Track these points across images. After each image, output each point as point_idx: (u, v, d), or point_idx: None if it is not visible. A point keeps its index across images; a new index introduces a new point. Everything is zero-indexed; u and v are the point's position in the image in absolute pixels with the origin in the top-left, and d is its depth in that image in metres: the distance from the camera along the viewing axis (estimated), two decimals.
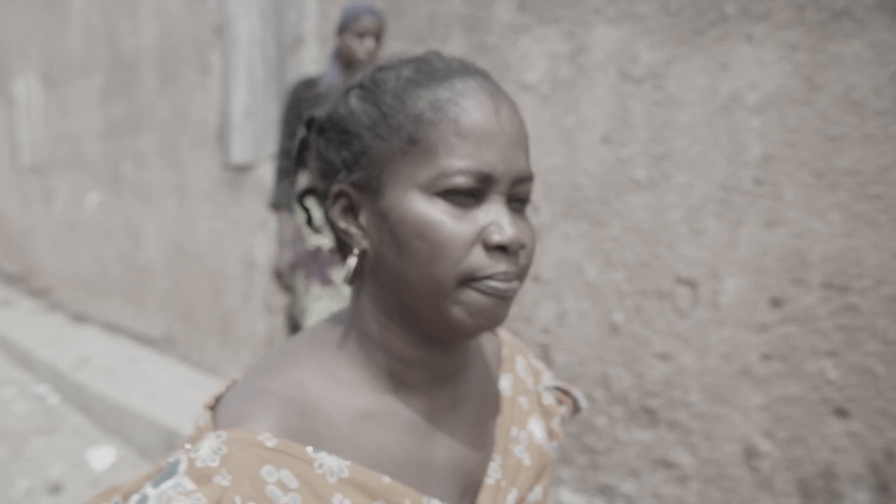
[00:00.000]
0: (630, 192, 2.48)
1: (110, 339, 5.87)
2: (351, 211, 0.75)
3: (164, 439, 3.81)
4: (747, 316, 2.20)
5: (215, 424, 0.70)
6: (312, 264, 2.90)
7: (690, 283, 2.34)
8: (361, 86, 0.75)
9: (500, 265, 0.71)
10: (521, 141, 0.73)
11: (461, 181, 0.69)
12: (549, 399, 0.94)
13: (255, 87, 4.16)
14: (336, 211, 0.75)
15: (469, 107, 0.70)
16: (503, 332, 0.94)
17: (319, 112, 0.78)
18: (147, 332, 5.45)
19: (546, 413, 0.92)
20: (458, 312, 0.71)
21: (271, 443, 0.67)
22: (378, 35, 2.92)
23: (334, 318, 0.81)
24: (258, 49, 4.11)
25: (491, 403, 0.85)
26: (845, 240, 2.01)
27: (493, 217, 0.71)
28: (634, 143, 2.46)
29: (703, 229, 2.31)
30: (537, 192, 2.71)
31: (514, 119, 0.73)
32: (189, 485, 0.64)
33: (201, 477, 0.64)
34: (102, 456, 4.10)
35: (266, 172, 4.12)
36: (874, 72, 1.96)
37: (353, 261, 0.74)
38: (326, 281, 2.87)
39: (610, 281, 2.54)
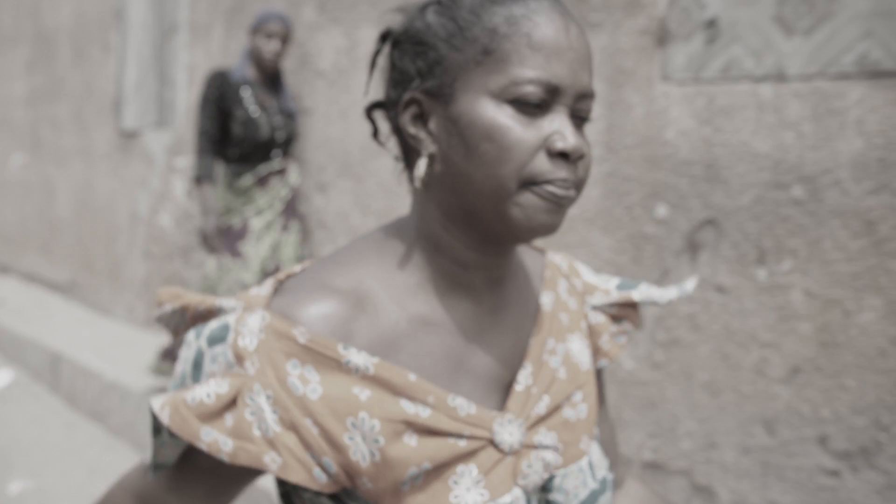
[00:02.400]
0: (379, 156, 3.27)
1: (26, 287, 6.56)
2: (420, 118, 0.78)
3: (51, 362, 4.53)
4: None
5: (271, 301, 0.75)
6: (224, 239, 3.39)
7: None
8: (439, 2, 0.78)
9: (561, 172, 0.73)
10: (587, 59, 0.76)
11: (531, 90, 0.72)
12: (597, 318, 0.95)
13: (143, 65, 4.89)
14: (406, 117, 0.78)
15: (542, 23, 0.73)
16: (551, 255, 0.97)
17: (395, 25, 0.81)
18: (56, 279, 6.16)
19: (593, 332, 0.95)
20: (517, 213, 0.73)
21: (303, 339, 0.70)
22: (284, 38, 3.37)
23: (400, 223, 0.84)
24: (146, 33, 4.84)
25: (530, 315, 0.87)
26: None
27: (558, 126, 0.73)
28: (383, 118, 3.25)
29: None
30: (324, 155, 3.49)
31: (582, 38, 0.76)
32: (231, 356, 0.71)
33: (239, 357, 0.70)
34: (2, 377, 4.83)
35: (149, 139, 4.85)
36: None
37: (423, 163, 0.76)
38: (235, 253, 3.35)
39: (366, 225, 3.32)
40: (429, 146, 0.77)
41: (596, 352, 0.95)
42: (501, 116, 0.72)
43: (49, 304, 5.84)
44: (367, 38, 3.34)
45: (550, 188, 0.73)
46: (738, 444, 2.34)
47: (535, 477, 0.79)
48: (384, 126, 0.86)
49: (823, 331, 2.17)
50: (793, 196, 2.21)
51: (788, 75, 2.20)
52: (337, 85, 3.48)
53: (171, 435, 0.75)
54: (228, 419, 0.70)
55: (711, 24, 2.33)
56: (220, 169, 3.44)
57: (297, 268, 0.82)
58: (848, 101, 2.10)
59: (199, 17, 4.41)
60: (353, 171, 3.39)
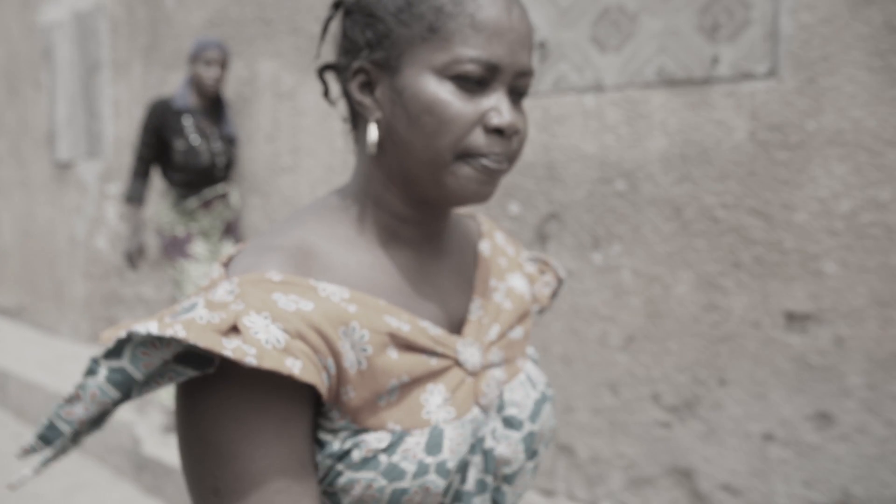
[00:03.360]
0: (281, 175, 3.60)
1: None
2: (368, 86, 0.81)
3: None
4: None
5: (228, 275, 0.75)
6: (173, 248, 3.53)
7: None
8: None
9: (495, 146, 0.77)
10: (528, 39, 0.78)
11: (471, 68, 0.75)
12: (530, 268, 1.04)
13: (72, 100, 5.17)
14: (354, 84, 0.81)
15: (485, 4, 0.75)
16: (482, 216, 1.04)
17: None
18: (4, 304, 6.39)
19: (530, 278, 1.02)
20: (451, 182, 0.77)
21: (278, 277, 0.72)
22: (223, 64, 3.46)
23: (338, 189, 0.87)
24: (73, 71, 5.12)
25: (470, 259, 0.93)
26: None
27: (495, 103, 0.77)
28: (282, 140, 3.59)
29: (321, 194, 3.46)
30: (235, 176, 3.81)
31: (524, 19, 0.78)
32: (207, 313, 0.66)
33: (216, 307, 0.67)
34: None
35: (82, 169, 5.13)
36: None
37: (374, 128, 0.79)
38: (186, 255, 3.50)
39: None
40: (374, 112, 0.80)
41: (533, 296, 1.01)
42: (442, 92, 0.75)
43: (0, 328, 6.08)
44: (266, 69, 3.68)
45: (484, 161, 0.77)
46: (590, 407, 2.70)
47: (492, 395, 0.84)
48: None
49: (649, 303, 2.53)
50: (617, 189, 2.58)
51: (605, 86, 2.57)
52: (242, 113, 3.81)
53: (136, 354, 0.64)
54: (236, 340, 0.65)
55: (542, 46, 2.70)
56: (166, 189, 3.60)
57: (232, 250, 0.82)
58: (652, 107, 2.47)
59: (120, 55, 4.71)
60: (261, 188, 3.73)
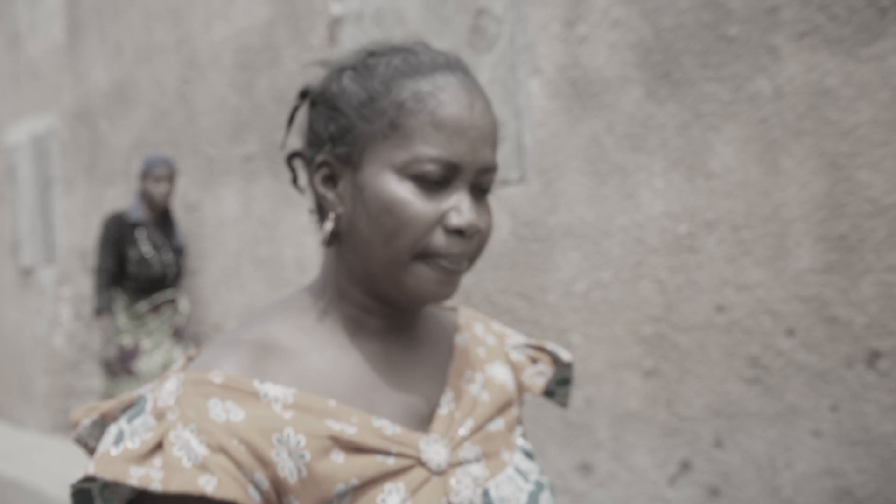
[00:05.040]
0: (190, 276, 4.10)
1: None
2: (331, 179, 0.81)
3: None
4: None
5: (184, 368, 0.76)
6: (119, 364, 3.76)
7: None
8: (354, 68, 0.80)
9: (455, 248, 0.77)
10: (491, 135, 0.78)
11: (431, 168, 0.75)
12: (517, 356, 0.98)
13: (32, 212, 5.77)
14: (318, 177, 0.81)
15: (446, 101, 0.76)
16: (463, 309, 0.99)
17: (314, 85, 0.84)
18: None
19: (515, 367, 0.96)
20: (410, 282, 0.77)
21: (219, 379, 0.72)
22: (171, 179, 3.75)
23: (307, 284, 0.87)
24: (31, 186, 5.74)
25: (444, 351, 0.90)
26: None
27: (455, 202, 0.77)
28: (190, 246, 4.11)
29: None
30: None
31: (486, 115, 0.78)
32: (152, 421, 0.70)
33: (160, 414, 0.70)
34: None
35: (41, 275, 5.69)
36: None
37: (329, 224, 0.79)
38: (129, 371, 3.76)
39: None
40: (336, 207, 0.80)
41: (521, 386, 0.96)
42: (402, 191, 0.75)
43: None
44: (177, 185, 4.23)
45: (443, 262, 0.77)
46: None
47: (467, 492, 0.79)
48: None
49: None
50: None
51: None
52: None
53: (104, 495, 0.70)
54: (157, 461, 0.68)
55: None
56: (118, 294, 3.87)
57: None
58: None
59: (68, 173, 5.31)
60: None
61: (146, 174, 3.73)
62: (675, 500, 2.40)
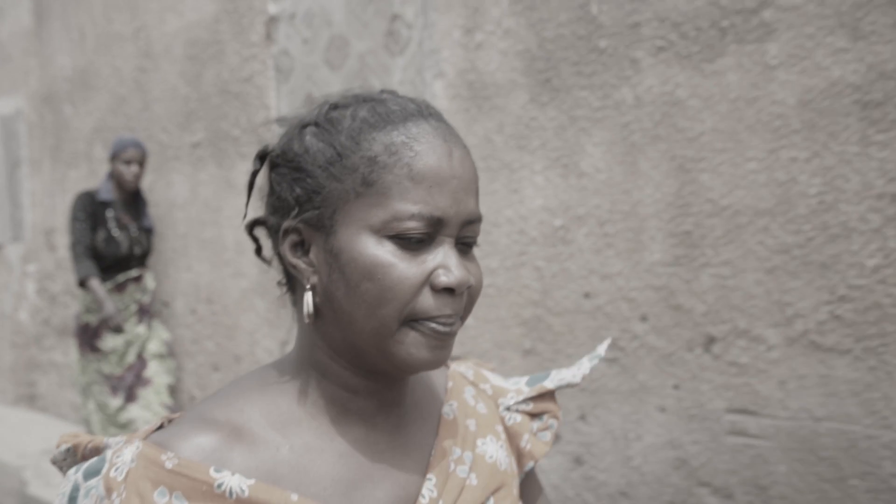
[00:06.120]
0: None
1: None
2: (301, 246, 0.74)
3: None
4: None
5: (151, 434, 0.72)
6: (83, 335, 3.87)
7: None
8: (317, 124, 0.73)
9: (446, 308, 0.71)
10: (472, 184, 0.73)
11: (413, 225, 0.69)
12: (513, 420, 0.89)
13: (1, 191, 5.99)
14: (286, 246, 0.74)
15: (423, 151, 0.70)
16: (455, 365, 0.92)
17: (273, 146, 0.77)
18: None
19: (512, 435, 0.88)
20: (399, 351, 0.70)
21: (170, 464, 0.67)
22: (141, 162, 3.81)
23: (285, 356, 0.80)
24: (1, 166, 5.96)
25: (431, 427, 0.82)
26: None
27: (442, 260, 0.70)
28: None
29: None
30: None
31: (466, 162, 0.73)
32: (102, 492, 0.68)
33: (108, 489, 0.67)
34: None
35: (8, 251, 5.91)
36: None
37: (309, 299, 0.72)
38: (94, 349, 3.85)
39: None
40: (310, 277, 0.73)
41: (519, 455, 0.88)
42: (382, 254, 0.69)
43: None
44: None
45: (433, 325, 0.71)
46: None
47: None
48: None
49: None
50: None
51: None
52: None
53: None
54: None
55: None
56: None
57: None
58: None
59: (34, 153, 5.53)
60: None
61: (116, 156, 3.83)
62: (545, 468, 2.64)
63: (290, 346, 3.32)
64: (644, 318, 2.41)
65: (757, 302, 2.20)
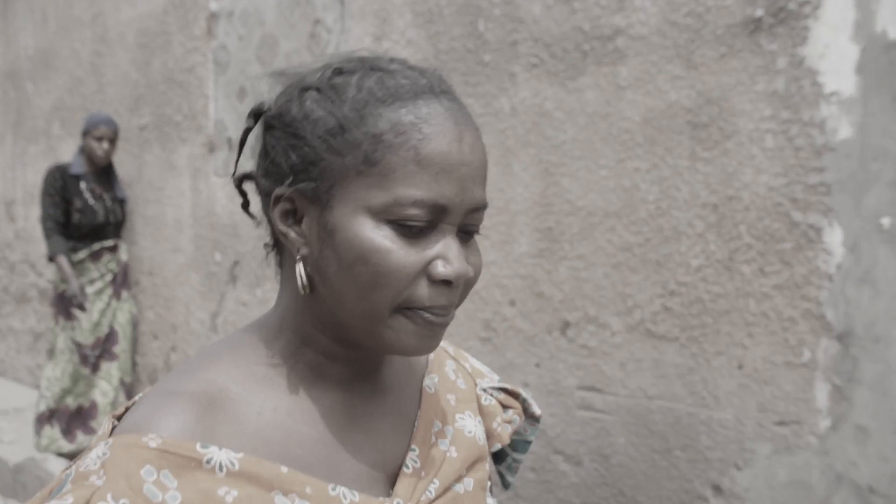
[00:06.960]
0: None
1: None
2: (293, 214, 0.70)
3: None
4: None
5: (113, 432, 0.67)
6: (59, 304, 3.99)
7: None
8: (318, 89, 0.69)
9: (441, 299, 0.68)
10: (481, 171, 0.69)
11: (415, 212, 0.65)
12: (488, 401, 0.89)
13: None
14: (277, 212, 0.70)
15: (432, 134, 0.66)
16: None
17: (269, 104, 0.73)
18: None
19: (486, 414, 0.88)
20: (389, 336, 0.68)
21: (154, 443, 0.63)
22: (112, 139, 3.92)
23: (260, 320, 0.77)
24: None
25: (411, 398, 0.81)
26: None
27: (442, 249, 0.67)
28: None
29: None
30: None
31: (477, 148, 0.69)
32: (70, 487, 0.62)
33: (79, 478, 0.62)
34: None
35: None
36: None
37: (301, 270, 0.69)
38: (69, 316, 3.99)
39: None
40: (300, 248, 0.69)
41: (489, 435, 0.88)
42: (380, 238, 0.66)
43: None
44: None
45: (427, 315, 0.68)
46: None
47: None
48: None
49: None
50: None
51: None
52: None
53: None
54: None
55: (230, 140, 3.71)
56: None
57: (137, 396, 0.73)
58: None
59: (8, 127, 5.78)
60: None
61: (88, 132, 3.92)
62: None
63: (221, 318, 3.50)
64: (512, 303, 2.71)
65: (604, 293, 2.51)
